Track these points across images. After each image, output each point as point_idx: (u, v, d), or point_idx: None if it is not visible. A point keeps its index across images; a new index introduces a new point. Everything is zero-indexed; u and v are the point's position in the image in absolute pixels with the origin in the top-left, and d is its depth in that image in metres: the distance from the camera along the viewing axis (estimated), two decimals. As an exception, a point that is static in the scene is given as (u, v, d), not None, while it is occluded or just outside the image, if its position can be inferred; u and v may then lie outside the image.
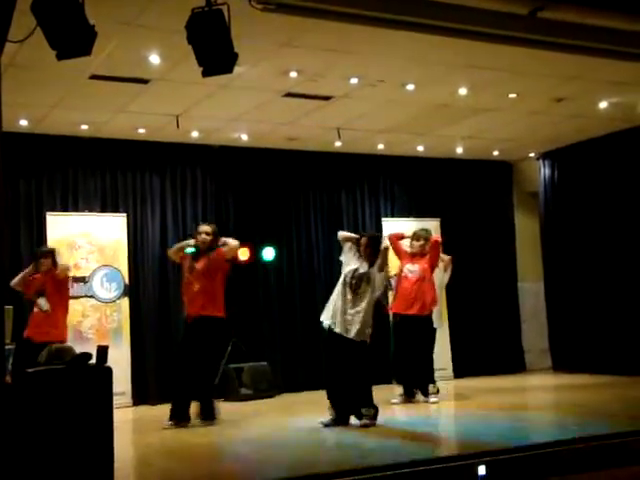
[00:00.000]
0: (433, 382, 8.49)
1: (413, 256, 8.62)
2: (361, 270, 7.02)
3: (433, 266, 8.65)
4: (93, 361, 4.81)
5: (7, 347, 4.37)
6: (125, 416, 8.26)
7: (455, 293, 11.51)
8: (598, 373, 10.40)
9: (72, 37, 4.94)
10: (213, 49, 5.40)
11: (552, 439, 5.59)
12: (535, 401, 9.43)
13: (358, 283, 6.99)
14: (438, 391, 8.50)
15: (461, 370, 11.27)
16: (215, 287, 7.48)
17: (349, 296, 6.96)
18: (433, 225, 11.56)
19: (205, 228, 7.69)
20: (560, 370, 11.48)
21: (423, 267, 8.53)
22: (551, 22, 6.67)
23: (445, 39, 6.71)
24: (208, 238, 7.58)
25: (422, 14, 6.19)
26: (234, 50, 5.41)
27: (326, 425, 6.83)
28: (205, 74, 5.56)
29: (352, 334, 6.85)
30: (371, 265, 7.04)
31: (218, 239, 7.68)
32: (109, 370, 4.72)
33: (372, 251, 7.09)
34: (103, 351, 4.84)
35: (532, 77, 8.11)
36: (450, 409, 8.47)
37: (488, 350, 11.70)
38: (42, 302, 7.96)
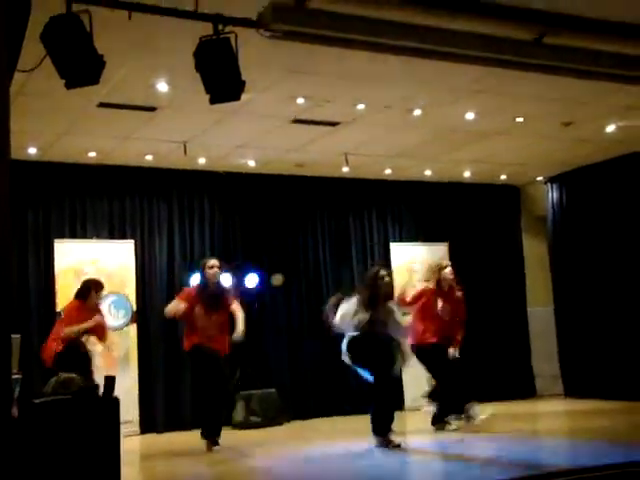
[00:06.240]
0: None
1: None
2: None
3: None
4: (100, 391, 4.77)
5: (14, 377, 4.33)
6: (132, 445, 8.19)
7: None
8: (611, 399, 10.26)
9: (81, 66, 4.97)
10: (221, 77, 5.42)
11: (567, 466, 5.51)
12: (548, 427, 9.32)
13: None
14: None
15: (470, 395, 11.15)
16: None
17: None
18: (441, 249, 11.56)
19: (215, 262, 7.86)
20: (572, 396, 11.36)
21: None
22: (557, 47, 6.67)
23: (452, 64, 6.72)
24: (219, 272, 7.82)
25: (429, 40, 6.19)
26: (241, 77, 5.43)
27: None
28: (213, 101, 5.57)
29: None
30: None
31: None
32: (116, 401, 4.68)
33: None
34: (111, 382, 4.80)
35: (539, 101, 8.10)
36: (461, 436, 8.36)
37: (498, 375, 11.58)
38: None
